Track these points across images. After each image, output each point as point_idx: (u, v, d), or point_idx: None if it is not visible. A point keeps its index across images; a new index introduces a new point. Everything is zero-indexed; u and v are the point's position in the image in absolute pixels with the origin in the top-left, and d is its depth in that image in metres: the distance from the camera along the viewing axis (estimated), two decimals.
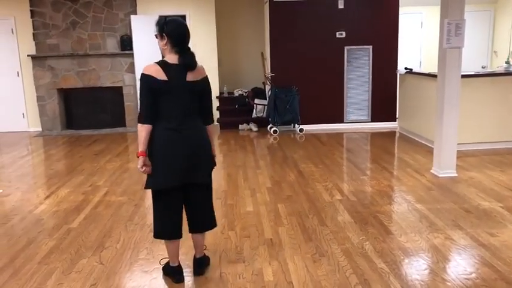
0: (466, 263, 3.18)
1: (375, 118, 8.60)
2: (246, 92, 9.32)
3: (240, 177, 5.50)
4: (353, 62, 8.46)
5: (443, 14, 5.04)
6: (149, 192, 5.00)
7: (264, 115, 8.79)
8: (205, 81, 2.93)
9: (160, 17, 2.87)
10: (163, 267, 3.19)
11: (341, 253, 3.37)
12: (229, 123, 8.88)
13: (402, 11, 8.58)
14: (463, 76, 5.32)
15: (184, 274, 3.11)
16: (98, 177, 5.70)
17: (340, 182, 5.16)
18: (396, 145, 7.16)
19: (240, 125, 8.83)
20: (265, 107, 8.78)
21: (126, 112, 9.23)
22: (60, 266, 3.31)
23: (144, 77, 2.77)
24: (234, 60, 9.91)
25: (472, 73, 6.59)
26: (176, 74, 2.80)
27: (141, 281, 3.07)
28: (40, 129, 9.23)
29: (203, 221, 3.09)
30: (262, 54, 9.25)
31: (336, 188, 4.96)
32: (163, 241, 3.20)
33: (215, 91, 9.32)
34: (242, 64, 9.92)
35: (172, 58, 2.82)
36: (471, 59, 8.95)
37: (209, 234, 3.79)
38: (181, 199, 2.98)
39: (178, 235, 3.00)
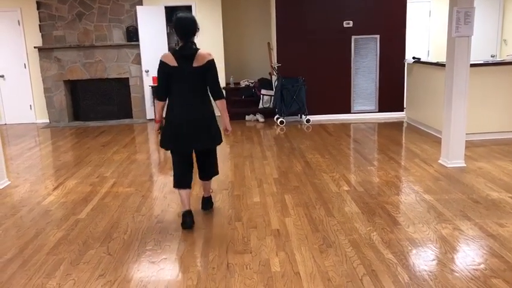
0: (475, 253, 3.16)
1: (382, 108, 8.55)
2: (252, 83, 9.28)
3: (246, 168, 5.49)
4: (360, 52, 8.39)
5: (453, 2, 4.97)
6: (156, 183, 5.04)
7: (271, 106, 8.77)
8: (209, 64, 3.52)
9: (175, 13, 3.54)
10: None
11: (348, 244, 3.36)
12: (235, 114, 8.86)
13: None
14: (472, 65, 5.26)
15: (190, 264, 3.13)
16: (105, 168, 5.72)
17: (347, 173, 5.14)
18: (404, 135, 7.11)
19: (246, 116, 8.82)
20: (272, 97, 8.74)
21: (132, 103, 9.25)
22: (68, 257, 3.33)
23: (160, 63, 3.51)
24: (241, 51, 9.86)
25: (481, 62, 6.51)
26: (184, 61, 3.48)
27: (149, 272, 3.08)
28: (47, 120, 9.28)
29: (208, 172, 3.96)
30: (268, 44, 9.19)
31: (343, 178, 4.94)
32: (171, 231, 3.74)
33: (221, 82, 9.30)
34: (248, 55, 9.87)
35: (181, 48, 3.52)
36: (480, 48, 8.85)
37: (216, 225, 3.80)
38: (189, 158, 3.71)
39: (185, 185, 3.74)
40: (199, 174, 3.96)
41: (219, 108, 3.66)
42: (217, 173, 4.03)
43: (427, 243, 3.33)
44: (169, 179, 5.16)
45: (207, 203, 4.14)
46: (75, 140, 7.58)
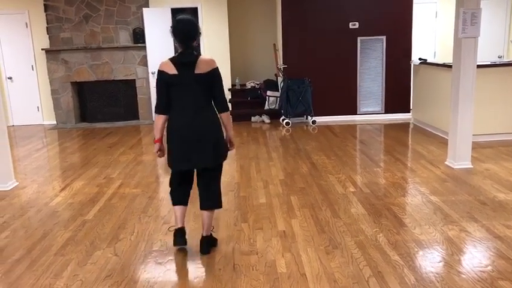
0: (482, 255, 3.15)
1: (388, 109, 8.53)
2: (258, 84, 9.29)
3: (252, 169, 5.50)
4: (366, 53, 8.37)
5: (459, 3, 4.95)
6: (162, 184, 5.05)
7: (277, 107, 8.77)
8: (213, 72, 3.15)
9: (176, 15, 3.25)
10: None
11: (354, 245, 3.36)
12: (241, 115, 8.88)
13: (416, 0, 8.45)
14: (479, 66, 5.24)
15: (196, 265, 3.14)
16: (112, 169, 5.75)
17: (354, 174, 5.14)
18: (410, 136, 7.09)
19: (252, 117, 8.83)
20: (278, 98, 8.75)
21: (139, 105, 9.28)
22: (75, 258, 3.35)
23: (158, 73, 3.16)
24: (246, 52, 9.87)
25: (488, 63, 6.48)
26: (185, 68, 3.10)
27: (155, 273, 3.09)
28: (55, 122, 9.33)
29: (207, 200, 3.35)
30: (274, 45, 9.20)
31: (349, 180, 4.93)
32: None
33: (227, 83, 9.32)
34: (254, 56, 9.88)
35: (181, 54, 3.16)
36: (487, 49, 8.80)
37: (222, 226, 3.81)
38: (188, 177, 3.36)
39: (180, 202, 3.37)
40: (200, 203, 3.38)
41: (224, 121, 3.27)
42: (220, 205, 3.39)
43: (433, 245, 3.32)
44: None
45: (207, 244, 3.37)
46: (82, 142, 7.63)
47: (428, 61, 7.51)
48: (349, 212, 4.03)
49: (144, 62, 9.05)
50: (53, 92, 9.13)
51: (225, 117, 3.27)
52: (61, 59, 8.99)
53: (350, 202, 4.27)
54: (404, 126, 7.81)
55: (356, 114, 8.57)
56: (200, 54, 3.16)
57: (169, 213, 4.16)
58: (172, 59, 3.15)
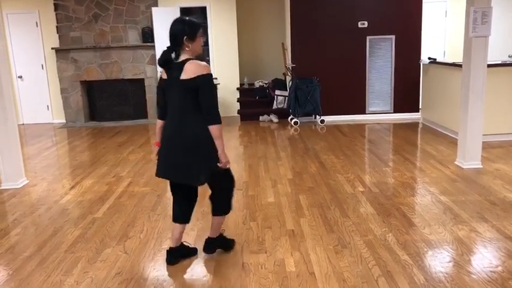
0: (492, 255, 3.13)
1: (397, 109, 8.49)
2: (266, 83, 9.29)
3: (261, 169, 5.50)
4: (375, 52, 8.34)
5: (470, 2, 4.92)
6: None
7: (285, 106, 8.77)
8: (200, 79, 2.83)
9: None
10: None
11: (363, 245, 3.35)
12: (249, 115, 8.89)
13: None
14: (489, 65, 5.20)
15: (205, 263, 3.15)
16: (121, 168, 5.78)
17: (362, 174, 5.12)
18: (419, 136, 7.05)
19: (260, 117, 8.83)
20: (286, 98, 8.74)
21: (147, 104, 9.32)
22: (85, 255, 3.37)
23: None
24: (255, 51, 9.88)
25: (499, 62, 6.43)
26: (173, 73, 2.91)
27: (165, 271, 3.11)
28: (64, 121, 9.40)
29: (214, 204, 3.20)
30: (282, 44, 9.20)
31: (358, 179, 4.92)
32: (186, 231, 3.47)
33: (235, 82, 9.34)
34: (262, 55, 9.88)
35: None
36: (497, 48, 8.71)
37: (231, 225, 3.82)
38: (182, 190, 3.12)
39: (177, 219, 3.18)
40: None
41: (212, 134, 2.90)
42: (224, 210, 3.19)
43: (443, 245, 3.31)
44: None
45: (210, 244, 3.28)
46: (91, 140, 7.67)
47: (437, 60, 7.47)
48: (358, 211, 4.02)
49: (153, 61, 9.09)
50: (63, 90, 9.19)
51: (212, 131, 2.89)
52: (71, 58, 9.05)
53: (359, 201, 4.26)
54: (413, 126, 7.77)
55: (365, 113, 8.54)
56: (190, 59, 2.90)
57: None
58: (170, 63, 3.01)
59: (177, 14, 8.90)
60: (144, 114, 9.40)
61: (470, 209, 3.97)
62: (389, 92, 8.46)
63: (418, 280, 2.85)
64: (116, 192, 4.84)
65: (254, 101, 9.17)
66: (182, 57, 2.91)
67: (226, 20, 9.18)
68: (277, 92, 8.87)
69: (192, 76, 2.83)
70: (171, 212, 4.14)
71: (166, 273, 3.08)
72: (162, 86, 3.01)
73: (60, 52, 9.03)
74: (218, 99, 8.62)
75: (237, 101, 9.28)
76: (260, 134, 7.64)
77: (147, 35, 9.00)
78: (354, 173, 5.17)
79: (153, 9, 8.87)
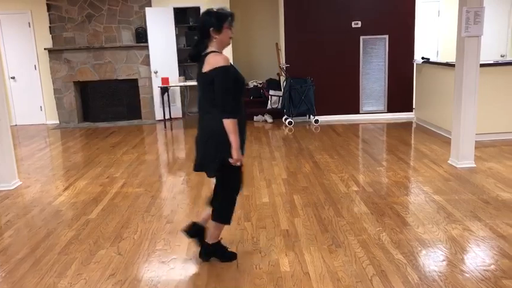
0: (485, 254, 3.15)
1: (391, 109, 8.52)
2: (260, 84, 9.30)
3: (255, 169, 5.50)
4: (369, 52, 8.37)
5: (462, 2, 4.94)
6: (165, 184, 5.06)
7: (279, 106, 8.77)
8: (214, 72, 2.81)
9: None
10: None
11: (357, 244, 3.36)
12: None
13: None
14: (482, 65, 5.23)
15: (199, 264, 3.15)
16: (115, 169, 5.76)
17: (356, 173, 5.13)
18: (413, 136, 7.08)
19: (255, 117, 8.83)
20: (280, 98, 8.75)
21: (142, 104, 9.30)
22: (79, 257, 3.36)
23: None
24: (249, 52, 9.88)
25: (491, 62, 6.47)
26: (199, 66, 2.95)
27: (159, 272, 3.10)
28: (57, 121, 9.36)
29: (212, 205, 3.15)
30: (276, 45, 9.21)
31: (352, 179, 4.93)
32: (179, 232, 3.66)
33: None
34: (257, 55, 9.89)
35: None
36: (490, 48, 8.78)
37: (225, 226, 3.80)
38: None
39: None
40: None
41: (226, 129, 2.87)
42: (221, 217, 3.10)
43: (436, 244, 3.32)
44: (179, 179, 5.19)
45: (204, 251, 3.21)
46: (84, 141, 7.64)
47: (431, 60, 7.51)
48: (352, 211, 4.03)
49: (146, 62, 9.07)
50: (56, 91, 9.15)
51: (225, 125, 2.85)
52: (64, 59, 9.01)
53: (353, 201, 4.27)
54: (407, 126, 7.80)
55: (358, 113, 8.57)
56: (213, 52, 2.89)
57: (172, 213, 4.17)
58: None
59: (171, 14, 8.89)
60: (138, 115, 9.38)
61: (463, 208, 3.99)
62: (383, 92, 8.49)
63: (412, 279, 2.86)
64: (110, 193, 4.82)
65: (248, 101, 9.17)
66: (209, 50, 2.92)
67: None
68: (271, 92, 8.88)
69: (210, 68, 2.83)
70: (165, 213, 4.17)
71: (161, 274, 3.07)
72: (196, 79, 3.05)
73: (53, 52, 8.99)
74: None
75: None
76: (254, 134, 7.64)
77: (141, 35, 8.97)
78: (348, 172, 5.18)
79: (147, 9, 8.85)
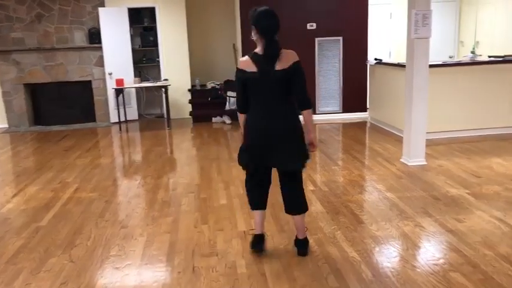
0: (435, 249, 3.26)
1: (346, 109, 8.68)
2: (218, 85, 9.26)
3: (213, 171, 5.47)
4: (324, 54, 8.49)
5: (411, 5, 5.11)
6: (120, 188, 4.96)
7: None
8: (295, 66, 2.97)
9: (253, 8, 3.07)
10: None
11: (313, 243, 3.40)
12: (202, 116, 8.83)
13: (371, 1, 8.64)
14: (431, 66, 5.41)
15: (155, 269, 3.10)
16: (67, 173, 5.58)
17: (313, 173, 5.20)
18: (367, 135, 7.25)
19: (213, 118, 8.80)
20: None
21: (96, 107, 9.07)
22: (28, 266, 3.23)
23: (237, 71, 3.07)
24: (206, 53, 9.82)
25: (440, 63, 6.71)
26: (265, 64, 2.96)
27: (113, 278, 3.03)
28: (7, 125, 8.97)
29: (293, 202, 3.22)
30: (234, 46, 9.21)
31: (309, 178, 4.99)
32: (135, 236, 3.62)
33: (187, 84, 9.25)
34: (214, 56, 9.84)
35: (260, 49, 3.00)
36: (439, 49, 9.10)
37: (182, 229, 3.77)
38: (266, 177, 3.24)
39: (259, 207, 3.29)
40: (285, 206, 3.27)
41: (305, 119, 3.08)
42: (305, 207, 3.24)
43: (389, 241, 3.41)
44: (134, 183, 5.09)
45: (302, 246, 3.27)
46: (36, 145, 7.37)
47: (383, 61, 7.71)
48: (308, 210, 4.06)
49: (100, 63, 8.85)
50: (4, 94, 8.78)
51: (307, 115, 3.06)
52: (12, 60, 8.66)
53: (309, 200, 4.28)
54: (361, 125, 7.98)
55: (315, 113, 8.66)
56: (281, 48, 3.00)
57: (127, 217, 4.08)
58: (250, 55, 3.03)
59: (125, 15, 8.72)
60: (92, 117, 9.13)
61: (414, 204, 4.12)
62: (338, 93, 8.64)
63: (366, 276, 2.92)
64: (62, 198, 4.66)
65: (206, 102, 9.11)
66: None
67: (176, 21, 9.07)
68: (229, 93, 8.85)
69: (289, 64, 2.95)
70: (119, 218, 4.08)
71: (115, 280, 3.00)
72: (247, 79, 3.00)
73: (0, 54, 8.61)
74: (169, 101, 8.51)
75: (189, 103, 9.20)
76: (213, 135, 7.60)
77: (94, 36, 8.74)
78: (304, 172, 5.22)
79: (100, 9, 8.63)
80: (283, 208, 3.27)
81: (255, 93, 3.04)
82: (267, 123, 3.03)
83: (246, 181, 3.32)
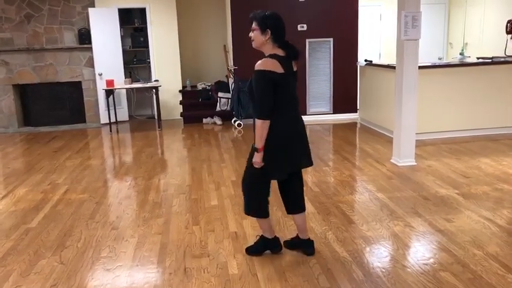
0: (425, 248, 3.29)
1: (336, 110, 8.72)
2: (209, 86, 9.26)
3: (204, 171, 5.47)
4: (314, 55, 8.53)
5: (401, 6, 5.15)
6: (110, 189, 4.93)
7: (228, 108, 8.77)
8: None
9: (258, 11, 3.08)
10: (256, 246, 3.31)
11: None
12: (193, 117, 8.82)
13: (362, 3, 8.70)
14: (421, 67, 5.45)
15: (146, 270, 3.09)
16: (57, 175, 5.54)
17: (304, 174, 5.16)
18: (357, 136, 7.29)
19: (204, 119, 8.78)
20: (229, 100, 8.75)
21: (86, 107, 9.01)
22: (18, 268, 3.20)
23: (264, 73, 2.91)
24: (197, 54, 9.81)
25: (429, 64, 6.77)
26: (288, 66, 2.99)
27: (104, 280, 3.01)
28: None
29: (299, 201, 3.24)
30: (224, 47, 9.21)
31: None
32: (126, 238, 3.59)
33: (178, 85, 9.23)
34: (205, 57, 9.83)
35: (277, 51, 3.00)
36: (428, 51, 9.19)
37: (173, 230, 3.76)
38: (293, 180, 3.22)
39: (269, 213, 3.21)
40: (289, 207, 3.25)
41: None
42: (303, 206, 3.27)
43: (380, 241, 3.43)
44: (125, 184, 5.07)
45: (309, 246, 3.28)
46: (25, 146, 7.31)
47: (373, 62, 7.76)
48: None
49: (90, 64, 8.80)
50: None
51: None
52: (1, 60, 8.58)
53: None
54: (351, 126, 8.02)
55: (305, 114, 8.70)
56: None
57: (117, 219, 4.07)
58: (274, 57, 2.96)
59: (115, 15, 8.68)
60: (82, 118, 9.07)
61: (404, 204, 4.15)
62: (329, 94, 8.68)
63: (357, 276, 2.94)
64: (52, 200, 4.63)
65: (197, 103, 9.10)
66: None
67: (167, 21, 9.05)
68: (220, 94, 8.86)
69: (297, 65, 3.08)
70: (110, 219, 4.06)
71: (105, 282, 2.98)
72: (277, 81, 2.91)
73: None
74: (160, 102, 8.48)
75: (180, 104, 9.18)
76: (204, 136, 7.59)
77: (84, 37, 8.70)
78: None
79: (90, 9, 8.59)
80: (284, 211, 3.32)
81: (285, 94, 2.97)
82: (302, 125, 3.13)
83: (260, 192, 3.11)
